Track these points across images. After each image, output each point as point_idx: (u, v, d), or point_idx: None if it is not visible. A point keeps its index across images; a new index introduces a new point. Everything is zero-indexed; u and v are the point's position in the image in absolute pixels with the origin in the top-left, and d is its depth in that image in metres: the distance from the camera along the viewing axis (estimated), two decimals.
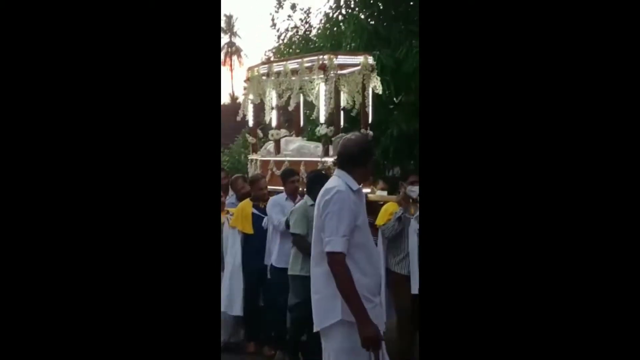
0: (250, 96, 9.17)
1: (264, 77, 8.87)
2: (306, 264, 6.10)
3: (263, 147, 9.39)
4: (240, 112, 9.32)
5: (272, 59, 13.48)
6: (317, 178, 6.68)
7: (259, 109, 9.22)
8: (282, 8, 14.42)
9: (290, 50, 13.60)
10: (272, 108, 8.84)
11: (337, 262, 3.70)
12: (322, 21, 13.21)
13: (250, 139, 9.52)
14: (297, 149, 8.74)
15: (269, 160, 8.84)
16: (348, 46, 10.99)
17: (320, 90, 8.19)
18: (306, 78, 8.30)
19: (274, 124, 8.90)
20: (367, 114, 8.42)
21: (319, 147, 8.34)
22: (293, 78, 8.40)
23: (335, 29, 12.40)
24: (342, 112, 8.69)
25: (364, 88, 8.31)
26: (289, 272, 6.97)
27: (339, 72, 8.48)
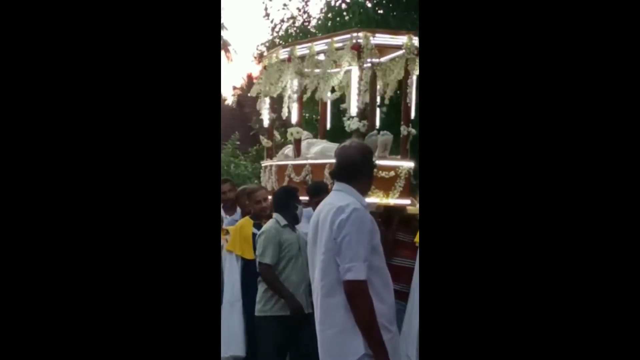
0: (267, 88, 7.56)
1: (284, 64, 7.28)
2: (280, 300, 5.61)
3: (280, 152, 7.78)
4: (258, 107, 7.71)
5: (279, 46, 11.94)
6: (290, 193, 6.02)
7: (276, 104, 7.61)
8: None
9: (286, 44, 12.18)
10: (294, 101, 7.20)
11: (360, 292, 3.41)
12: (323, 10, 12.10)
13: (266, 142, 7.90)
14: (320, 150, 7.12)
15: (286, 165, 7.21)
16: None
17: (352, 76, 6.58)
18: (337, 62, 6.70)
19: (294, 120, 7.26)
20: (408, 108, 6.78)
21: None
22: (320, 62, 6.81)
23: (337, 19, 11.30)
24: (377, 105, 7.08)
25: (407, 75, 6.70)
26: (257, 313, 5.77)
27: (378, 59, 6.88)
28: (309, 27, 12.65)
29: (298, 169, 7.03)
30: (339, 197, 3.59)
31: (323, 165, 6.77)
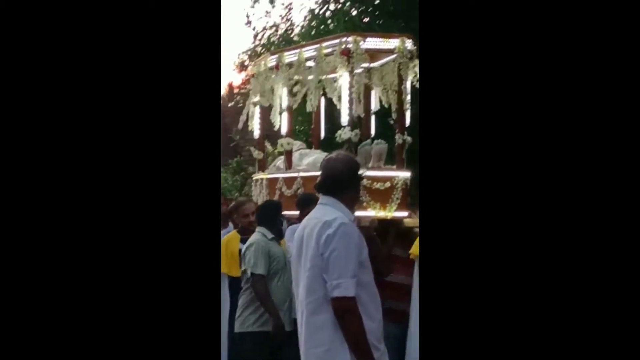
0: (256, 98, 7.21)
1: (272, 71, 6.93)
2: (263, 316, 5.32)
3: (272, 164, 7.43)
4: (242, 118, 7.37)
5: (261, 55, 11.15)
6: (275, 207, 5.82)
7: (267, 114, 7.25)
8: (259, 2, 12.67)
9: (274, 50, 11.88)
10: (283, 110, 6.84)
11: (349, 310, 3.32)
12: (307, 18, 11.76)
13: (257, 154, 7.54)
14: (313, 162, 6.76)
15: (277, 178, 6.85)
16: None
17: (343, 82, 6.22)
18: (327, 69, 6.34)
19: (284, 130, 6.91)
20: (403, 115, 6.40)
21: None
22: (309, 69, 6.46)
23: (322, 27, 10.94)
24: (372, 113, 6.73)
25: (401, 81, 6.33)
26: (237, 329, 5.48)
27: (371, 64, 6.52)
28: (292, 35, 12.43)
29: (289, 182, 6.69)
30: (325, 211, 3.48)
31: (315, 178, 6.40)
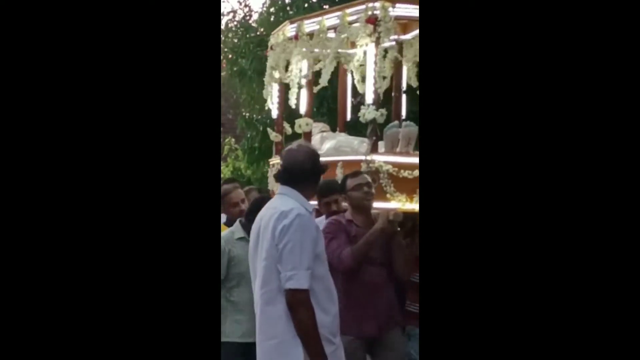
0: (275, 73, 6.42)
1: (291, 42, 6.14)
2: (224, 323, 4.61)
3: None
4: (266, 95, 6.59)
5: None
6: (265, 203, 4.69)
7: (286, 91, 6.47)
8: None
9: (227, 39, 11.76)
10: (302, 86, 6.05)
11: (301, 302, 3.34)
12: (266, 4, 11.63)
13: (274, 136, 6.75)
14: (335, 146, 5.98)
15: None
16: None
17: (368, 56, 5.41)
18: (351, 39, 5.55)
19: (302, 109, 6.12)
20: None
21: (364, 142, 5.60)
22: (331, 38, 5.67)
23: (281, 14, 10.85)
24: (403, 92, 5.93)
25: None
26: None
27: (399, 36, 5.70)
28: (250, 21, 12.23)
29: None
30: (283, 201, 3.50)
31: (335, 164, 5.63)
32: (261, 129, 10.86)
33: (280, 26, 6.61)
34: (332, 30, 5.77)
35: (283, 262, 3.34)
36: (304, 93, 6.10)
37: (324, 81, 5.76)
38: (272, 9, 11.32)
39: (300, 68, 6.05)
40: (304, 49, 5.97)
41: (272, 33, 6.78)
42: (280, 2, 11.16)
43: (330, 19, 5.79)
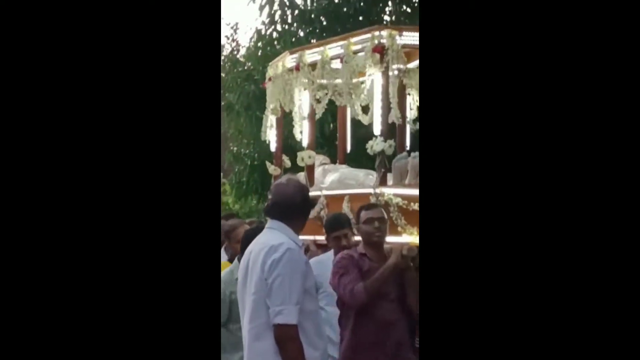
0: (272, 105, 6.27)
1: (292, 73, 6.00)
2: None
3: None
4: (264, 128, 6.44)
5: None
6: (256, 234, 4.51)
7: (285, 123, 6.31)
8: None
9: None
10: (303, 118, 5.90)
11: (290, 338, 3.31)
12: (253, 39, 11.73)
13: (273, 169, 6.57)
14: (338, 179, 5.82)
15: None
16: None
17: (375, 85, 5.27)
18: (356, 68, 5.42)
19: (304, 142, 5.96)
20: None
21: (370, 174, 5.44)
22: (334, 70, 5.53)
23: (268, 48, 11.03)
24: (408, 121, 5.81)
25: None
26: None
27: (405, 65, 5.59)
28: (237, 55, 12.53)
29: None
30: (272, 235, 3.47)
31: (341, 198, 5.47)
32: (249, 163, 10.92)
33: (279, 57, 6.49)
34: (336, 60, 5.64)
35: (272, 296, 3.31)
36: (305, 125, 5.92)
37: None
38: (259, 44, 11.41)
39: (301, 99, 5.90)
40: (305, 80, 5.82)
41: (270, 64, 6.67)
42: (267, 37, 11.24)
43: (333, 49, 5.68)
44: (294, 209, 3.49)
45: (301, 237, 5.57)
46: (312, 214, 5.71)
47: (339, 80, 5.79)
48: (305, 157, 5.88)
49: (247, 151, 11.15)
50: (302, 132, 5.99)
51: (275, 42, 11.06)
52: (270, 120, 6.49)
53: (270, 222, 3.54)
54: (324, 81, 5.83)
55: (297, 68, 5.90)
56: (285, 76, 6.09)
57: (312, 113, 5.96)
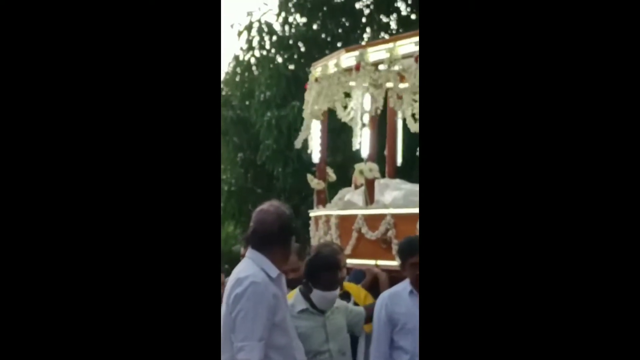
0: (316, 106, 5.49)
1: (348, 74, 5.23)
2: None
3: (336, 198, 5.69)
4: (301, 136, 5.65)
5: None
6: (322, 263, 4.07)
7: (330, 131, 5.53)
8: None
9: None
10: (364, 125, 5.12)
11: None
12: (231, 65, 11.97)
13: (316, 183, 5.78)
14: (403, 195, 5.08)
15: (353, 216, 5.11)
16: (262, 94, 10.21)
17: None
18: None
19: (363, 152, 5.19)
20: None
21: None
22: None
23: (246, 74, 11.41)
24: None
25: None
26: None
27: None
28: None
29: (373, 221, 5.04)
30: (245, 266, 3.38)
31: (413, 218, 4.72)
32: (226, 189, 11.00)
33: (328, 56, 5.71)
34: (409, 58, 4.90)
35: (236, 331, 3.23)
36: (366, 132, 5.15)
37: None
38: (237, 69, 11.58)
39: (362, 102, 5.12)
40: (366, 82, 5.06)
41: (314, 64, 5.88)
42: (245, 63, 11.38)
43: (405, 46, 4.94)
44: (272, 238, 3.35)
45: (361, 261, 4.93)
46: (377, 234, 4.97)
47: (403, 85, 5.06)
48: (365, 170, 5.09)
49: (225, 177, 11.11)
50: (361, 141, 5.21)
51: (253, 68, 11.26)
52: (312, 127, 5.70)
53: (248, 251, 3.42)
54: (390, 84, 5.07)
55: (357, 68, 5.13)
56: (338, 77, 5.31)
57: (374, 119, 5.20)
